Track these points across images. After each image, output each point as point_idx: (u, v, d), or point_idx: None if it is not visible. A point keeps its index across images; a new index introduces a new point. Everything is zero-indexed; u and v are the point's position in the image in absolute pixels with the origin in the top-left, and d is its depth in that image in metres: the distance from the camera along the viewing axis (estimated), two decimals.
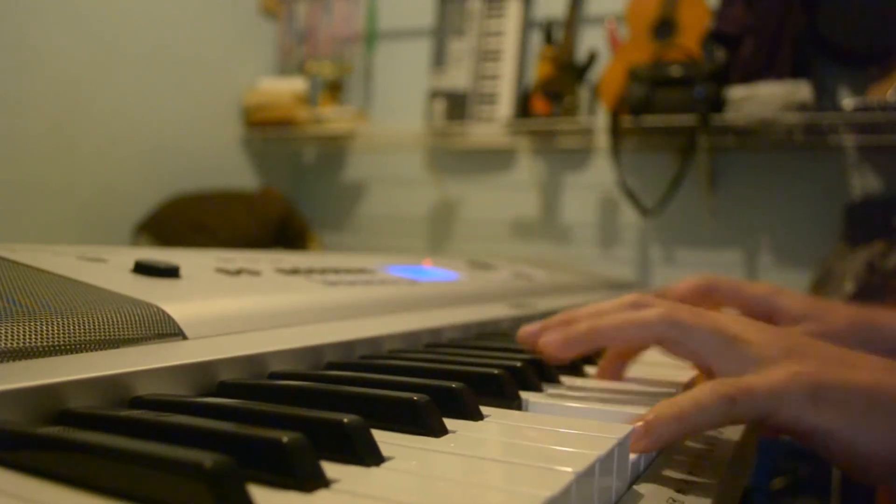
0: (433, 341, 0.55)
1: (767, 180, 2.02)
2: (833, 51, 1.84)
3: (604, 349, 0.50)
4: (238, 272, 0.55)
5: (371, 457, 0.27)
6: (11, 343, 0.31)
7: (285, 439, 0.24)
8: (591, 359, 0.55)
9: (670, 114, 1.87)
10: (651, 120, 1.90)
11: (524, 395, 0.41)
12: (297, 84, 2.41)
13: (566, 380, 0.47)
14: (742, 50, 1.84)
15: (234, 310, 0.46)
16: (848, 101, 1.72)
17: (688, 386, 0.48)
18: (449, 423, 0.33)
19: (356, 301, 0.57)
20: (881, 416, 0.35)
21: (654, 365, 0.53)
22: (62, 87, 1.87)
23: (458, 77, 2.28)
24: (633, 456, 0.33)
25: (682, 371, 0.52)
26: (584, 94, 2.12)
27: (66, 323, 0.34)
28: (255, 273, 0.57)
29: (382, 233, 2.51)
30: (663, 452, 0.37)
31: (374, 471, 0.26)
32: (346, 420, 0.27)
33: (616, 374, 0.48)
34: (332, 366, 0.44)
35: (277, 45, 2.58)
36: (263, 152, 2.53)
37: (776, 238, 2.02)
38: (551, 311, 0.76)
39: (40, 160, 1.84)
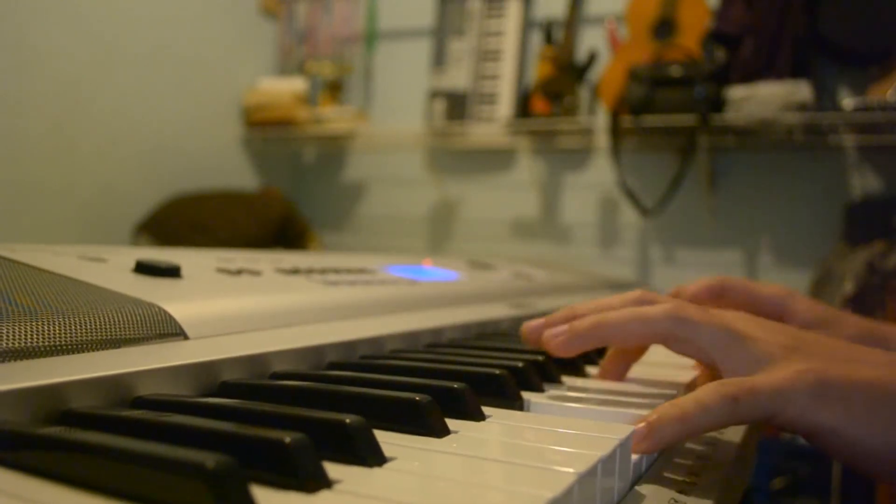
0: (434, 341, 0.55)
1: (767, 180, 2.02)
2: (833, 51, 1.84)
3: (606, 348, 0.49)
4: (239, 272, 0.55)
5: (373, 457, 0.27)
6: (13, 343, 0.31)
7: (287, 439, 0.24)
8: (592, 359, 0.55)
9: (670, 114, 1.87)
10: (651, 120, 1.90)
11: (526, 395, 0.41)
12: (297, 84, 2.41)
13: (567, 380, 0.47)
14: (742, 50, 1.84)
15: (235, 310, 0.46)
16: (848, 101, 1.72)
17: (689, 386, 0.48)
18: (451, 423, 0.32)
19: (357, 301, 0.57)
20: (886, 412, 0.35)
21: (656, 365, 0.53)
22: (62, 87, 1.87)
23: (458, 77, 2.28)
24: (634, 457, 0.33)
25: (684, 372, 0.52)
26: (584, 94, 2.12)
27: (67, 323, 0.34)
28: (256, 273, 0.57)
29: (382, 233, 2.51)
30: (664, 453, 0.37)
31: (376, 471, 0.26)
32: (348, 420, 0.27)
33: (618, 374, 0.48)
34: (333, 366, 0.44)
35: (277, 45, 2.58)
36: (263, 152, 2.53)
37: (776, 238, 2.02)
38: (551, 310, 0.76)
39: (40, 160, 1.83)
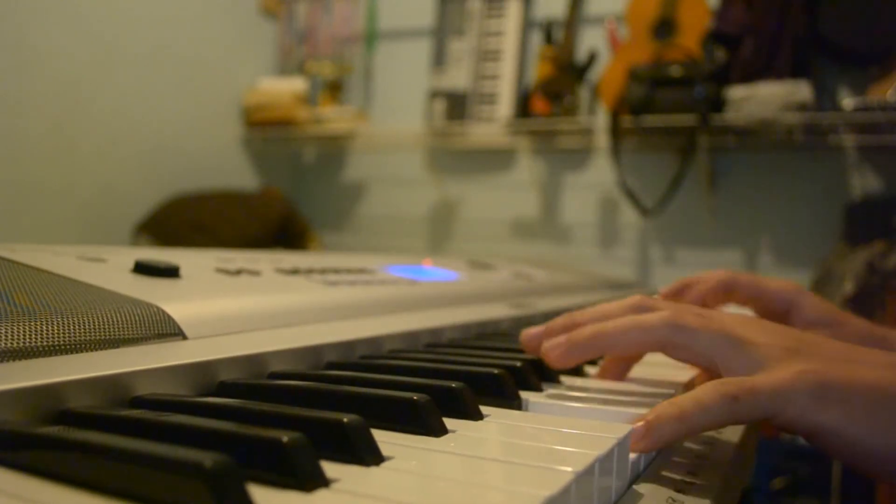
0: (433, 341, 0.55)
1: (767, 180, 2.02)
2: (833, 51, 1.84)
3: None
4: (238, 272, 0.55)
5: (371, 456, 0.27)
6: (11, 343, 0.31)
7: (285, 439, 0.24)
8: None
9: (670, 114, 1.87)
10: (651, 120, 1.90)
11: (524, 394, 0.41)
12: (297, 84, 2.41)
13: (566, 379, 0.47)
14: (742, 50, 1.84)
15: (234, 310, 0.46)
16: (848, 101, 1.72)
17: (688, 386, 0.48)
18: (449, 422, 0.32)
19: (356, 301, 0.57)
20: (886, 413, 0.35)
21: (655, 365, 0.53)
22: (62, 87, 1.88)
23: (458, 77, 2.28)
24: (632, 456, 0.33)
25: (683, 371, 0.52)
26: (584, 94, 2.12)
27: (66, 323, 0.34)
28: (255, 273, 0.57)
29: (382, 233, 2.51)
30: (663, 452, 0.37)
31: (374, 470, 0.26)
32: (346, 420, 0.27)
33: (618, 374, 0.48)
34: (332, 366, 0.44)
35: (277, 45, 2.58)
36: (263, 152, 2.53)
37: (776, 238, 2.02)
38: (551, 310, 0.76)
39: (40, 160, 1.84)
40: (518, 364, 0.43)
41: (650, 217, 2.05)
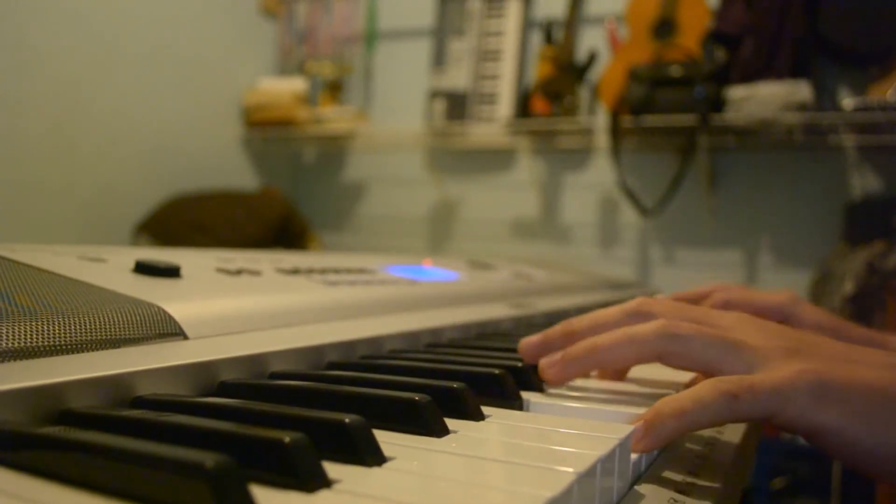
0: (434, 341, 0.55)
1: (767, 180, 2.02)
2: (833, 51, 1.84)
3: None
4: (238, 272, 0.55)
5: (372, 457, 0.27)
6: (12, 343, 0.31)
7: (287, 439, 0.24)
8: None
9: (670, 114, 1.87)
10: (651, 120, 1.90)
11: (525, 395, 0.41)
12: (297, 84, 2.41)
13: None
14: (742, 50, 1.84)
15: (234, 310, 0.46)
16: (848, 101, 1.72)
17: (689, 386, 0.48)
18: (450, 423, 0.32)
19: (356, 301, 0.57)
20: (886, 413, 0.35)
21: (655, 365, 0.53)
22: (62, 87, 1.87)
23: (458, 77, 2.28)
24: (634, 456, 0.33)
25: (683, 371, 0.52)
26: (584, 94, 2.12)
27: (66, 323, 0.34)
28: (256, 273, 0.57)
29: (382, 233, 2.51)
30: (664, 453, 0.37)
31: (375, 471, 0.26)
32: (347, 420, 0.27)
33: (618, 375, 0.48)
34: (332, 366, 0.44)
35: (277, 45, 2.58)
36: (263, 152, 2.53)
37: (776, 238, 2.02)
38: (551, 311, 0.76)
39: (40, 160, 1.84)
40: (519, 364, 0.43)
41: (650, 217, 2.05)
